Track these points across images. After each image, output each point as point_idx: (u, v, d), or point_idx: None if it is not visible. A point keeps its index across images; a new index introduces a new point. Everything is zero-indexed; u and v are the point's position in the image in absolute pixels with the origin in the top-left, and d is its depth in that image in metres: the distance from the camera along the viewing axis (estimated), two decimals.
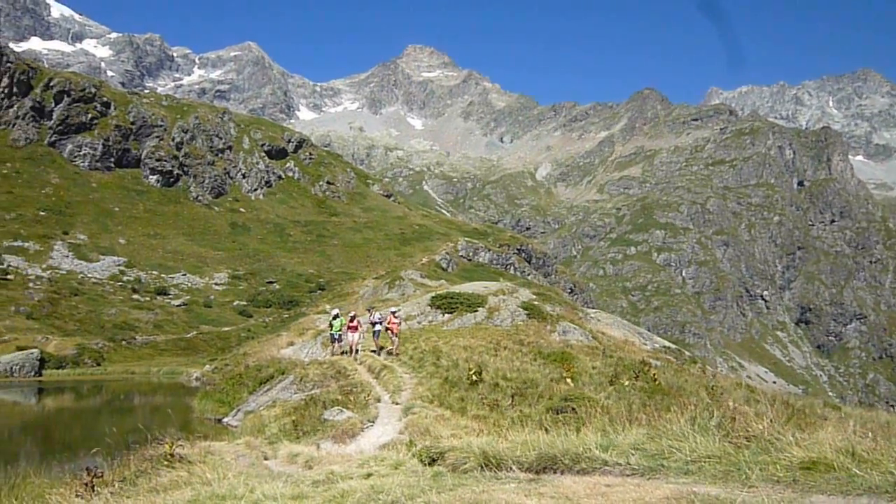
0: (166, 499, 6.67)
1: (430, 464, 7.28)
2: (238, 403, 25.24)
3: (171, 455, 9.71)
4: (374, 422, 15.65)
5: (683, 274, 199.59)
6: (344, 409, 16.57)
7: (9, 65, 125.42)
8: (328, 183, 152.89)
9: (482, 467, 6.34)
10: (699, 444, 5.68)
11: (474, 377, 18.72)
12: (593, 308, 72.06)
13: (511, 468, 6.08)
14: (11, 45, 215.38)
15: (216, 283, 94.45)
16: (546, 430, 7.81)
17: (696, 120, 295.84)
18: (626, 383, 18.77)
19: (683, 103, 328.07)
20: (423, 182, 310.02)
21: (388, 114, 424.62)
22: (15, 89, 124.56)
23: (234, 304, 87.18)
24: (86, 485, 8.25)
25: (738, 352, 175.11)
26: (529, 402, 16.66)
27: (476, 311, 31.98)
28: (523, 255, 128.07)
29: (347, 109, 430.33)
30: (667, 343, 44.17)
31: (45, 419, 30.71)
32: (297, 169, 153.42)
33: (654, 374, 20.11)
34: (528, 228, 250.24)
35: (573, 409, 14.13)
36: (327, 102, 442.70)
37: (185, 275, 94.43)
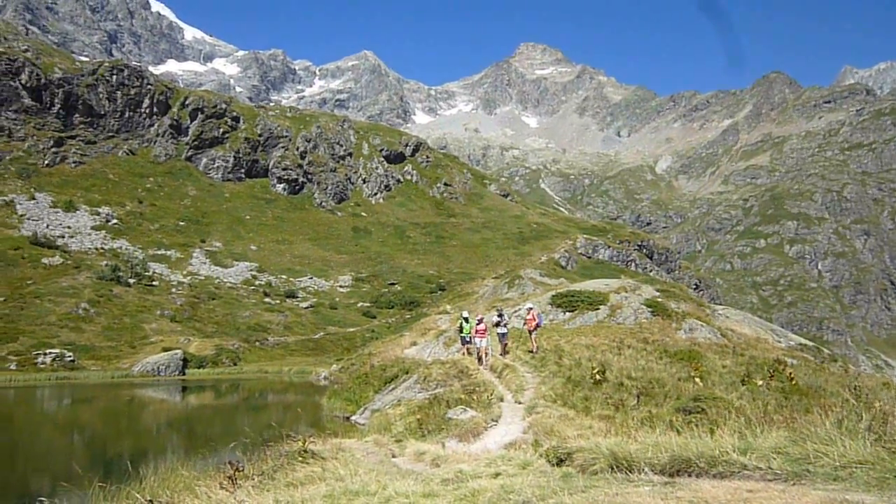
0: (303, 493, 6.92)
1: (557, 464, 7.20)
2: (365, 402, 25.96)
3: (305, 451, 10.10)
4: (497, 421, 15.64)
5: (819, 267, 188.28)
6: (467, 409, 16.67)
7: (149, 87, 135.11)
8: (445, 185, 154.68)
9: (612, 469, 6.20)
10: (849, 448, 5.30)
11: (598, 376, 18.37)
12: (721, 304, 69.17)
13: (643, 470, 5.90)
14: (151, 68, 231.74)
15: (341, 286, 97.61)
16: (677, 431, 7.55)
17: (828, 102, 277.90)
18: (760, 383, 17.87)
19: (815, 85, 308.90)
20: (540, 180, 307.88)
21: (502, 113, 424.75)
22: (155, 109, 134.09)
23: (359, 305, 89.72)
24: (229, 478, 8.69)
25: (884, 349, 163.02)
26: (656, 402, 16.16)
27: (597, 309, 31.43)
28: (644, 251, 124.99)
29: (462, 111, 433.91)
30: (803, 340, 41.75)
31: (188, 415, 32.79)
32: (414, 172, 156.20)
33: (791, 374, 19.04)
34: (648, 224, 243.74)
35: (703, 409, 13.58)
36: (442, 105, 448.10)
37: (311, 278, 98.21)
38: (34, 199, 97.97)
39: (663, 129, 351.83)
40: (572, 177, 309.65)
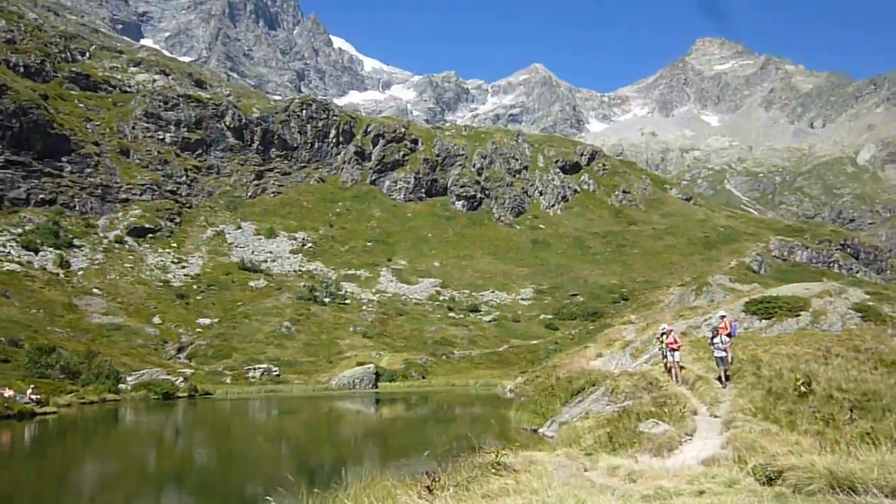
0: None
1: (767, 483, 6.75)
2: (552, 414, 25.82)
3: (499, 463, 10.23)
4: (692, 435, 14.98)
5: None
6: (659, 422, 16.12)
7: (335, 118, 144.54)
8: (624, 192, 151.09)
9: (832, 489, 5.72)
10: None
11: (802, 388, 17.05)
12: None
13: (870, 492, 5.39)
14: (335, 100, 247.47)
15: (522, 299, 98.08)
16: None
17: None
18: None
19: None
20: (725, 181, 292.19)
21: (680, 114, 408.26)
22: (341, 138, 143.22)
23: (541, 317, 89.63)
24: (427, 488, 9.00)
25: None
26: (873, 416, 14.72)
27: (798, 315, 29.16)
28: (849, 250, 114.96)
29: (637, 116, 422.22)
30: None
31: (382, 426, 34.35)
32: (591, 181, 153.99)
33: None
34: (851, 220, 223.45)
35: None
36: (616, 111, 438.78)
37: (493, 292, 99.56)
38: (240, 228, 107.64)
39: (864, 115, 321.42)
40: (761, 175, 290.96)
